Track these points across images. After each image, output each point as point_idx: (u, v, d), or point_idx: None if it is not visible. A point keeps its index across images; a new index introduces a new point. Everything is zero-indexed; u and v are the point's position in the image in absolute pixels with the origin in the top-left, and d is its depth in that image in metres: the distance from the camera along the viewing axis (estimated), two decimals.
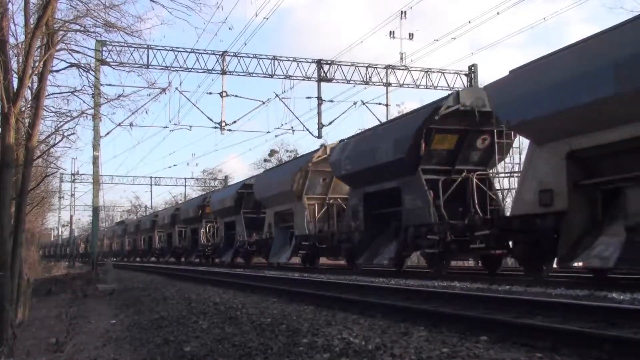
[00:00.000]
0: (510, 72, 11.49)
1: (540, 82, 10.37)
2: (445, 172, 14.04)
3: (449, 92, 17.84)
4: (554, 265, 11.02)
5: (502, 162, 14.47)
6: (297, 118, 27.45)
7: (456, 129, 13.87)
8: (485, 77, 13.92)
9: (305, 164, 19.99)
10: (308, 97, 26.91)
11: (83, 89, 9.21)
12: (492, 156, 13.70)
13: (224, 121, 26.07)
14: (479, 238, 12.30)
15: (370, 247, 16.10)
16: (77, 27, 8.32)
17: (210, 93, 26.97)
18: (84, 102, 9.69)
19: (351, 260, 17.30)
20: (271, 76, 25.90)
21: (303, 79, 26.40)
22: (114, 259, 48.66)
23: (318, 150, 20.18)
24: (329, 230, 18.91)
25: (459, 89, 16.29)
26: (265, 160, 59.42)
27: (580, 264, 10.11)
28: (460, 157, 14.17)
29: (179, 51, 24.95)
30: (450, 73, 27.75)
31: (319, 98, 26.68)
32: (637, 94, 8.47)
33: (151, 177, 57.60)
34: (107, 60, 21.52)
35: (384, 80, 27.17)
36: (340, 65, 26.63)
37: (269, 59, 25.89)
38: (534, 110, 10.35)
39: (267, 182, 23.34)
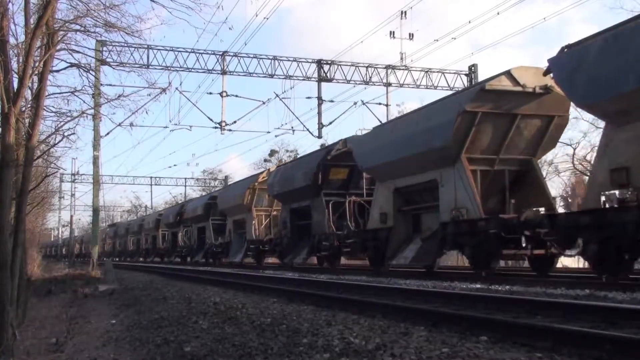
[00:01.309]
0: (369, 131, 17.44)
1: (377, 141, 15.82)
2: (340, 195, 18.61)
3: (450, 91, 20.10)
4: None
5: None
6: (297, 118, 27.57)
7: (346, 164, 18.72)
8: (486, 77, 13.69)
9: (253, 183, 25.25)
10: (308, 97, 26.99)
11: (83, 89, 9.22)
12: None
13: (224, 121, 26.12)
14: (348, 246, 16.95)
15: (294, 249, 21.04)
16: (78, 27, 8.32)
17: (211, 93, 27.06)
18: (84, 102, 9.69)
19: (281, 259, 22.49)
20: (271, 76, 25.93)
21: (303, 79, 26.44)
22: (104, 259, 50.53)
23: (263, 172, 26.26)
24: (270, 236, 23.82)
25: (346, 138, 19.03)
26: (265, 161, 59.47)
27: (394, 262, 14.98)
28: (351, 185, 19.16)
29: (179, 51, 24.99)
30: (450, 73, 27.79)
31: (319, 98, 26.71)
32: (413, 157, 13.84)
33: (151, 177, 57.90)
34: (107, 60, 21.56)
35: (384, 80, 27.21)
36: (340, 65, 26.65)
37: (269, 59, 25.92)
38: (375, 160, 15.71)
39: (227, 196, 28.70)
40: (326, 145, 22.49)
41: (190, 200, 42.14)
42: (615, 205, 9.37)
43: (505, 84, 12.25)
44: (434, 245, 13.55)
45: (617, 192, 9.43)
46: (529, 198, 12.71)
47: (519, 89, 12.27)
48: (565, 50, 10.62)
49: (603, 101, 9.58)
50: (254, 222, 24.46)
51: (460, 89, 23.02)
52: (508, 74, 12.29)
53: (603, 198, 9.68)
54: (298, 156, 36.16)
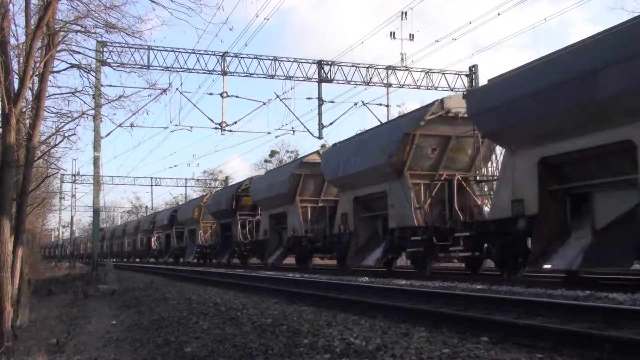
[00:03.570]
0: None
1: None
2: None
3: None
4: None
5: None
6: (297, 119, 27.55)
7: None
8: (487, 77, 13.92)
9: (200, 203, 32.95)
10: (309, 98, 26.94)
11: (84, 89, 9.22)
12: None
13: (225, 122, 26.08)
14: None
15: (222, 252, 27.27)
16: (78, 28, 8.33)
17: (211, 94, 26.97)
18: (84, 102, 9.70)
19: (214, 259, 30.75)
20: (272, 77, 25.91)
21: (304, 80, 26.40)
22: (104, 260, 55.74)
23: (207, 195, 33.13)
24: (210, 242, 30.94)
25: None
26: (265, 161, 59.57)
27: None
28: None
29: (179, 52, 24.96)
30: (451, 74, 27.75)
31: (320, 99, 26.68)
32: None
33: (152, 178, 57.86)
34: (108, 61, 21.55)
35: (385, 81, 27.17)
36: (340, 65, 26.63)
37: (269, 59, 25.89)
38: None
39: (184, 210, 37.10)
40: (326, 145, 22.59)
41: (160, 211, 50.10)
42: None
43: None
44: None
45: None
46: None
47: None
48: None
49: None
50: (200, 231, 32.99)
51: (461, 90, 23.07)
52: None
53: None
54: (298, 157, 36.74)
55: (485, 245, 12.65)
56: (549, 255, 10.43)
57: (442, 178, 14.87)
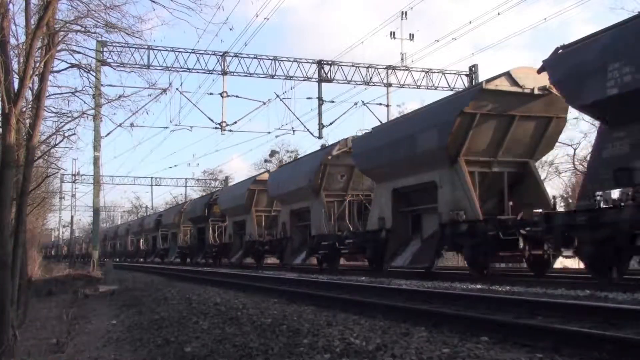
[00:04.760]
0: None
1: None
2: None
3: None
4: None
5: None
6: (297, 119, 27.60)
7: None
8: (486, 77, 13.85)
9: (181, 210, 37.85)
10: (309, 98, 26.96)
11: (84, 89, 9.19)
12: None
13: (225, 122, 26.08)
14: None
15: (197, 253, 30.64)
16: (78, 27, 8.31)
17: (211, 93, 26.97)
18: (84, 102, 9.66)
19: (190, 259, 35.21)
20: (272, 77, 25.91)
21: (304, 80, 26.41)
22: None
23: (187, 202, 39.40)
24: (188, 243, 35.02)
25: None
26: (265, 161, 59.57)
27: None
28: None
29: (179, 52, 24.97)
30: (451, 73, 27.77)
31: (320, 98, 26.68)
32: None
33: (152, 178, 57.92)
34: (108, 60, 21.52)
35: (385, 81, 27.19)
36: (340, 65, 26.63)
37: (269, 59, 25.89)
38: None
39: (167, 216, 41.87)
40: (326, 145, 22.60)
41: (147, 215, 54.52)
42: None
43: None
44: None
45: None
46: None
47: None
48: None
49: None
50: (180, 234, 37.45)
51: (460, 90, 23.07)
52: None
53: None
54: (298, 156, 36.96)
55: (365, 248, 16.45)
56: (396, 256, 14.87)
57: (348, 198, 18.85)
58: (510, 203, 12.82)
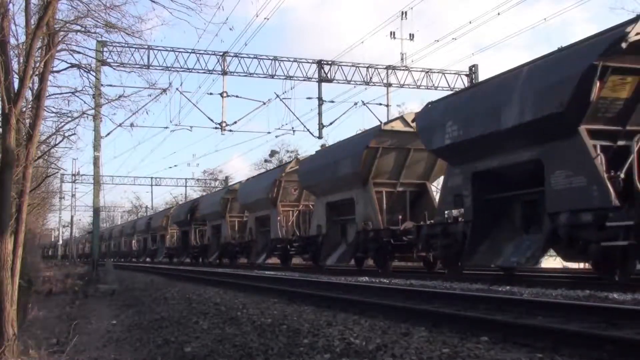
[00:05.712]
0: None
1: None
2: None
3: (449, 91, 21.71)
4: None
5: None
6: (297, 119, 27.59)
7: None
8: (486, 77, 14.10)
9: (167, 215, 40.67)
10: (309, 98, 26.92)
11: (84, 89, 9.17)
12: None
13: (225, 122, 26.06)
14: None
15: (182, 252, 37.04)
16: (78, 27, 8.29)
17: (211, 93, 26.93)
18: (84, 102, 9.63)
19: (170, 258, 41.39)
20: (272, 77, 25.88)
21: (304, 80, 26.38)
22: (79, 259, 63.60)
23: (172, 207, 41.98)
24: (177, 245, 38.88)
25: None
26: (265, 161, 59.63)
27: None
28: None
29: (179, 52, 24.94)
30: (451, 73, 27.74)
31: (320, 98, 26.66)
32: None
33: (152, 178, 57.89)
34: (108, 60, 21.52)
35: (385, 81, 27.15)
36: (340, 65, 26.61)
37: (269, 59, 25.87)
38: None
39: (156, 219, 45.33)
40: (326, 145, 22.91)
41: (139, 218, 59.35)
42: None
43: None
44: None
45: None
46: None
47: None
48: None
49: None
50: (168, 236, 41.99)
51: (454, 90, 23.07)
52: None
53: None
54: (298, 156, 37.37)
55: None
56: (329, 256, 18.28)
57: (300, 208, 22.03)
58: (400, 216, 15.91)
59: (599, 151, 9.65)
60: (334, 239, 18.36)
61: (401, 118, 16.39)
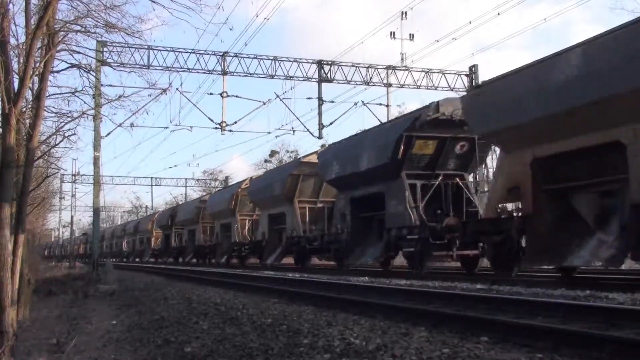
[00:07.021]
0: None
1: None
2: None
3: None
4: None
5: None
6: (297, 119, 27.59)
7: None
8: (487, 77, 14.21)
9: (152, 219, 45.62)
10: (309, 98, 26.88)
11: (84, 89, 9.19)
12: None
13: (225, 122, 26.04)
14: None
15: (166, 252, 38.21)
16: (78, 27, 8.30)
17: (211, 94, 26.91)
18: (84, 102, 9.66)
19: (140, 258, 46.01)
20: (272, 77, 25.87)
21: (304, 80, 26.35)
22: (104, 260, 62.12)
23: (157, 213, 46.38)
24: (159, 246, 42.27)
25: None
26: (265, 161, 59.68)
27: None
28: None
29: (179, 52, 24.93)
30: (451, 74, 27.73)
31: (320, 99, 26.63)
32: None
33: (152, 178, 57.87)
34: (108, 60, 21.52)
35: (385, 81, 27.13)
36: (340, 65, 26.59)
37: (269, 59, 25.86)
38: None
39: (142, 222, 49.57)
40: (327, 145, 22.88)
41: (130, 221, 63.72)
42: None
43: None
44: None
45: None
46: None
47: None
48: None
49: None
50: (153, 238, 45.55)
51: (461, 89, 23.08)
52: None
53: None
54: (298, 156, 37.45)
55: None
56: (270, 256, 22.54)
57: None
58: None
59: (418, 188, 14.82)
60: (272, 244, 23.58)
61: (316, 153, 21.14)
